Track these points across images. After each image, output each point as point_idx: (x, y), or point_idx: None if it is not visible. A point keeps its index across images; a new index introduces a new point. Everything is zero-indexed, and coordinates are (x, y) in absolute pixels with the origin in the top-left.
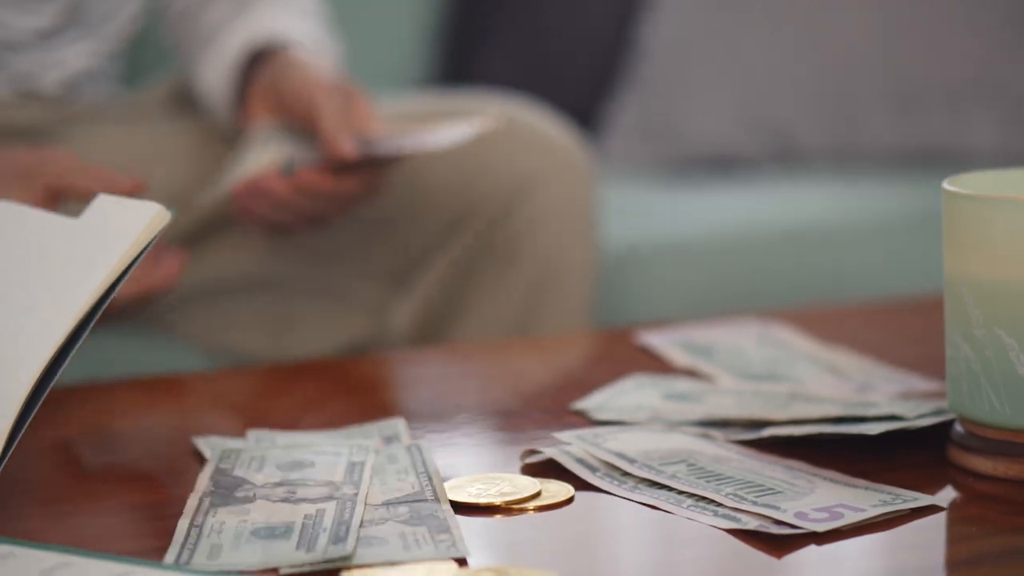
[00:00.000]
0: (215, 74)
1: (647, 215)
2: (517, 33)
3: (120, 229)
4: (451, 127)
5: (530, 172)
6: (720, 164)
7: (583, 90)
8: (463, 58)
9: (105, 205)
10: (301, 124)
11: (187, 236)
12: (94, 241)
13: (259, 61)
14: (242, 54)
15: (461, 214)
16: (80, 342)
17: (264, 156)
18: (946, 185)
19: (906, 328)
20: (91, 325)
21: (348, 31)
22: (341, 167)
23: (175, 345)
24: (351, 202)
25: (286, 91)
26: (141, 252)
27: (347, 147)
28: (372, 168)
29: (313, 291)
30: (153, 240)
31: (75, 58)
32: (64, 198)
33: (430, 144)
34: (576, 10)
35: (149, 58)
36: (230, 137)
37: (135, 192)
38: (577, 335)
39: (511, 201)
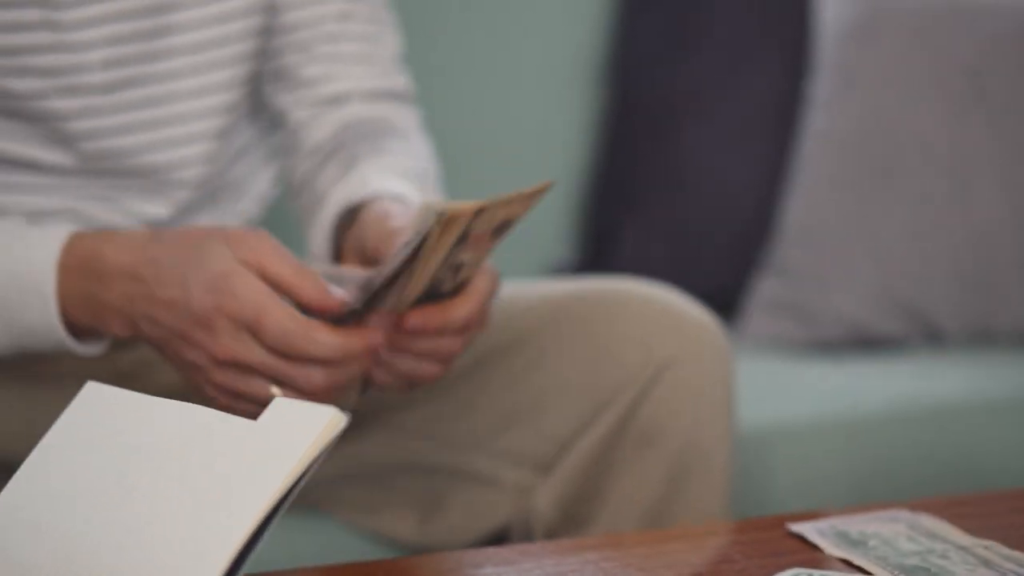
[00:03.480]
0: (321, 237)
1: (784, 394)
2: (655, 218)
3: (297, 433)
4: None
5: (669, 353)
6: (858, 344)
7: (721, 272)
8: (601, 245)
9: (282, 408)
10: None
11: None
12: (272, 445)
13: (354, 220)
14: (336, 214)
15: (603, 397)
16: (259, 546)
17: None
18: None
19: None
20: (269, 529)
21: None
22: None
23: (318, 524)
24: (471, 329)
25: (367, 246)
26: (318, 456)
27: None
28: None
29: (461, 476)
30: (330, 445)
31: None
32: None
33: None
34: (716, 194)
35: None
36: None
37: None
38: (726, 523)
39: (650, 383)
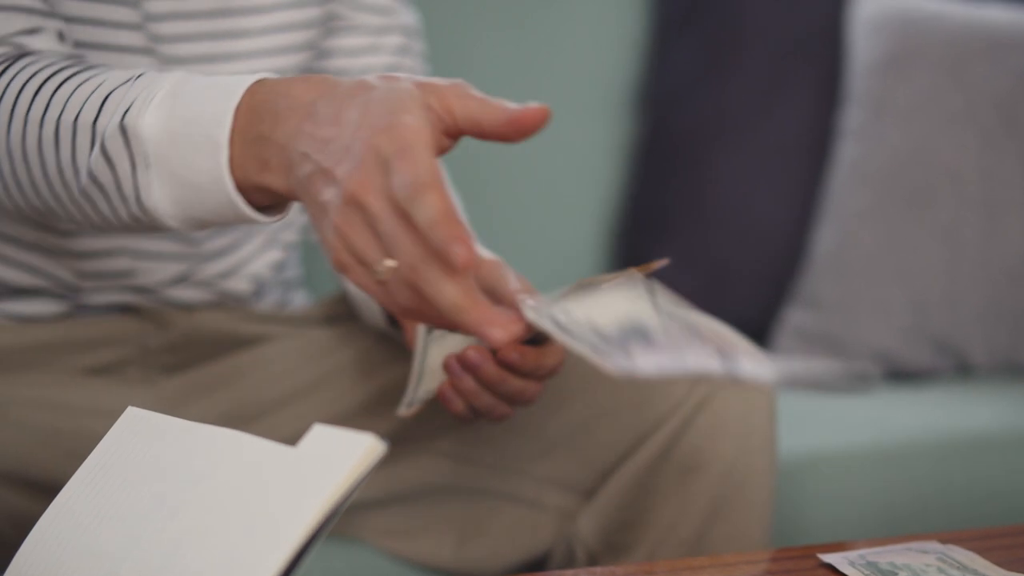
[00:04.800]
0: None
1: (814, 425)
2: (685, 248)
3: (336, 460)
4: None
5: (712, 382)
6: (888, 376)
7: (751, 302)
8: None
9: (321, 435)
10: None
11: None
12: (308, 472)
13: None
14: None
15: (647, 425)
16: (296, 572)
17: (445, 348)
18: None
19: None
20: (307, 556)
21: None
22: (533, 337)
23: (352, 550)
24: (549, 376)
25: None
26: (357, 483)
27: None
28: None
29: (503, 499)
30: (369, 472)
31: (261, 263)
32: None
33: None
34: (746, 224)
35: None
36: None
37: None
38: (758, 553)
39: (694, 411)
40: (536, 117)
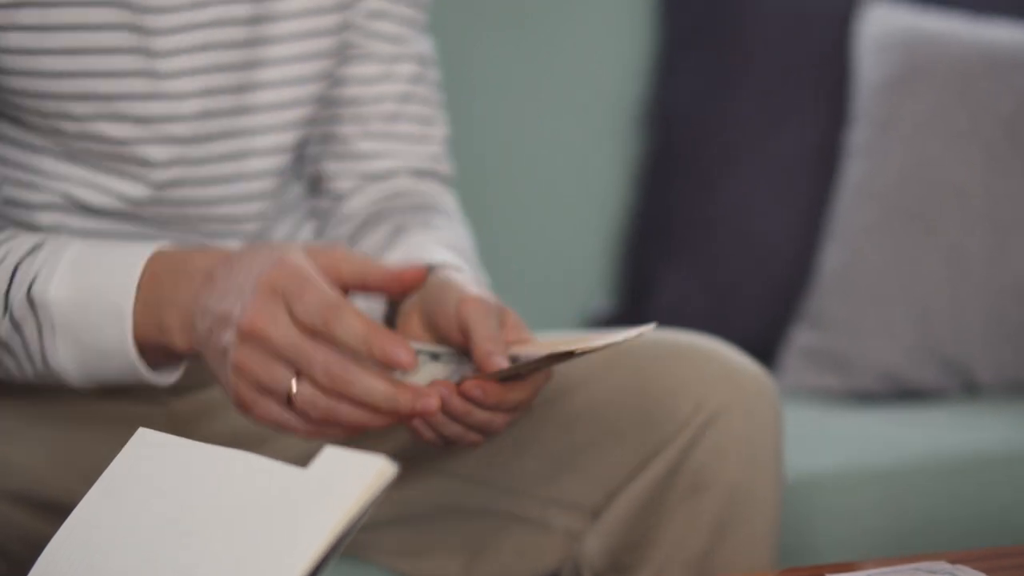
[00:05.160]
0: (368, 304)
1: (821, 444)
2: (692, 267)
3: (347, 482)
4: (603, 336)
5: (720, 402)
6: (895, 395)
7: (758, 321)
8: (638, 293)
9: (332, 456)
10: (454, 342)
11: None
12: (320, 493)
13: None
14: None
15: (653, 445)
16: None
17: (435, 372)
18: None
19: None
20: None
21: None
22: (502, 378)
23: (362, 569)
24: (519, 410)
25: (437, 311)
26: (368, 505)
27: (497, 363)
28: (531, 374)
29: (510, 519)
30: (380, 494)
31: None
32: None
33: (579, 345)
34: (753, 243)
35: None
36: None
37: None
38: (767, 574)
39: (701, 431)
40: (416, 275)
